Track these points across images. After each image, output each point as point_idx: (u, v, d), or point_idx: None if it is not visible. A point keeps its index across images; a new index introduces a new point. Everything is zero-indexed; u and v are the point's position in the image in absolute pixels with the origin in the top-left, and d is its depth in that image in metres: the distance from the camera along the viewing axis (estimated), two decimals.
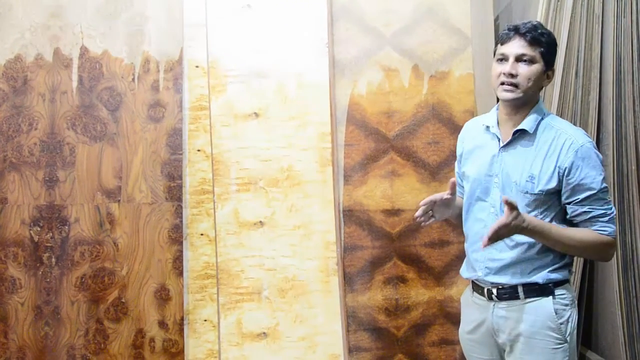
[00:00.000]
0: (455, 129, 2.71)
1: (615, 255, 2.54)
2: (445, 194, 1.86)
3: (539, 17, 2.66)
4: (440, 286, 2.69)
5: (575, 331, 1.82)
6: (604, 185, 1.77)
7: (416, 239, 2.69)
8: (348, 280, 2.68)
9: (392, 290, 2.68)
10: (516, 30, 1.78)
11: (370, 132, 2.72)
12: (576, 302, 1.88)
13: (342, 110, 2.72)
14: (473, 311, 1.96)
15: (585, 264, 2.66)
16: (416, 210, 1.91)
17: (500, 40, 1.83)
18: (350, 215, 2.70)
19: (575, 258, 2.55)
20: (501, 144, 1.87)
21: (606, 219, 1.77)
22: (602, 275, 2.64)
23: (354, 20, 2.73)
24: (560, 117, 2.53)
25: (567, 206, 1.79)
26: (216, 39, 2.65)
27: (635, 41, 2.50)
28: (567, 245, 1.77)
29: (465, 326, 2.00)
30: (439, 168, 2.70)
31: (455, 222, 2.13)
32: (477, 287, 1.94)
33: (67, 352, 2.65)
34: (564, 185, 1.77)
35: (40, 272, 2.67)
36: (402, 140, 2.72)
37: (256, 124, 2.63)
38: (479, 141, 1.97)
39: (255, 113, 2.64)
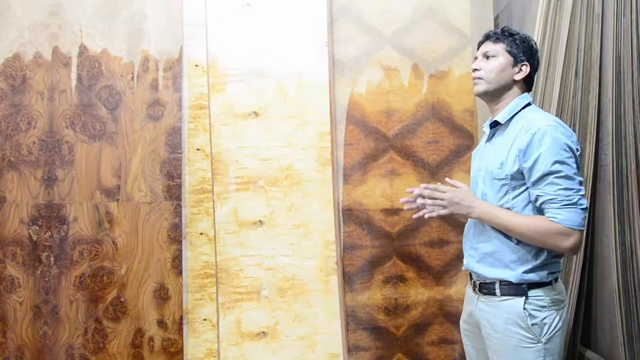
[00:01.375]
0: (454, 128, 2.71)
1: (614, 254, 2.54)
2: None
3: (538, 16, 2.66)
4: (440, 285, 2.69)
5: (556, 333, 1.82)
6: (558, 168, 1.75)
7: (416, 238, 2.69)
8: (347, 280, 2.68)
9: (392, 289, 2.68)
10: (486, 36, 1.98)
11: (370, 131, 2.72)
12: (564, 304, 1.87)
13: (342, 110, 2.72)
14: (468, 301, 2.04)
15: (585, 263, 2.66)
16: (414, 211, 1.98)
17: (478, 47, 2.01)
18: (349, 215, 2.69)
19: (566, 258, 2.56)
20: (486, 139, 2.00)
21: (557, 205, 1.74)
22: (602, 274, 2.64)
23: (354, 20, 2.73)
24: (560, 116, 2.54)
25: (529, 191, 1.82)
26: (216, 38, 2.65)
27: (635, 41, 2.49)
28: (518, 231, 1.79)
29: (463, 315, 2.09)
30: (439, 167, 2.70)
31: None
32: (470, 278, 2.02)
33: (66, 352, 2.65)
34: (523, 168, 1.80)
35: (39, 272, 2.66)
36: (402, 139, 2.72)
37: (256, 123, 2.63)
38: (480, 143, 2.10)
39: (254, 112, 2.63)
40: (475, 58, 1.98)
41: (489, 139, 1.97)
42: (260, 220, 2.59)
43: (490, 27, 2.76)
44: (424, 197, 1.91)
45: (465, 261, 2.01)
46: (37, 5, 2.70)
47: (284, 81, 2.64)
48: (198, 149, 2.61)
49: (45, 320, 2.65)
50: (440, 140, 2.71)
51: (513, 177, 1.82)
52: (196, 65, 2.63)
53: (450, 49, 2.73)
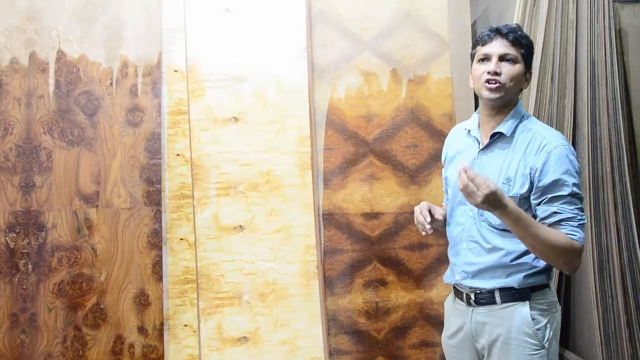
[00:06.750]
0: (433, 132, 2.73)
1: (591, 256, 2.58)
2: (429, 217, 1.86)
3: (514, 22, 2.70)
4: (420, 289, 2.71)
5: (555, 337, 1.81)
6: (576, 190, 1.73)
7: (396, 242, 2.70)
8: (328, 284, 2.69)
9: (372, 293, 2.69)
10: (497, 31, 1.79)
11: (350, 135, 2.73)
12: (558, 307, 1.86)
13: (321, 114, 2.73)
14: (454, 316, 1.97)
15: None
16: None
17: (481, 41, 1.83)
18: (330, 219, 2.70)
19: None
20: (480, 147, 1.87)
21: (575, 223, 1.72)
22: (579, 276, 2.68)
23: (333, 25, 2.74)
24: None
25: (537, 208, 1.76)
26: (195, 43, 2.64)
27: (608, 46, 2.55)
28: (539, 240, 1.68)
29: (446, 331, 2.01)
30: (418, 171, 2.72)
31: (442, 231, 2.14)
32: (457, 292, 1.95)
33: None
34: (534, 187, 1.75)
35: (16, 279, 2.63)
36: (381, 144, 2.73)
37: (235, 128, 2.63)
38: (460, 146, 1.97)
39: (234, 117, 2.63)
40: (483, 57, 1.80)
41: (486, 148, 1.85)
42: (240, 226, 2.59)
43: (468, 32, 2.78)
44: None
45: (456, 277, 1.91)
46: (13, 9, 2.67)
47: (263, 86, 2.64)
48: (178, 155, 2.60)
49: (22, 329, 2.62)
50: (420, 144, 2.73)
51: (522, 196, 1.76)
52: (175, 71, 2.63)
53: (429, 53, 2.75)
